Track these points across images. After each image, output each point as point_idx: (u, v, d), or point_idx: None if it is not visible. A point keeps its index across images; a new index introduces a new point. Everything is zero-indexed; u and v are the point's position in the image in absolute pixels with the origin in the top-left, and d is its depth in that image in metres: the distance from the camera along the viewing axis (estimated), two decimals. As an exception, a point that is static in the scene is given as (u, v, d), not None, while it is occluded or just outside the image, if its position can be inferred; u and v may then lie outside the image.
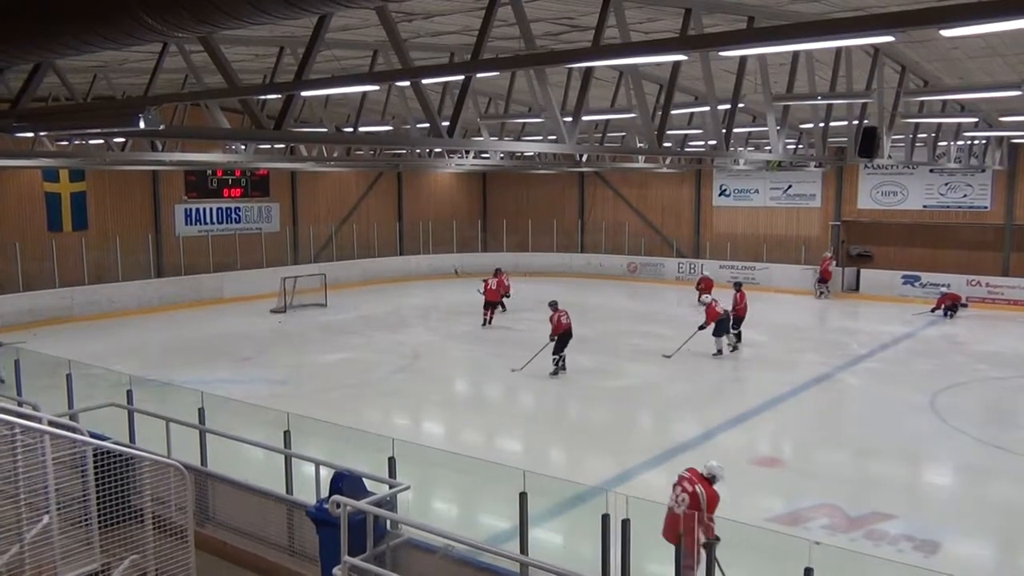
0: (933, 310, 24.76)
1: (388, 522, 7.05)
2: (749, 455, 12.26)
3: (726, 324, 18.73)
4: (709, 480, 7.75)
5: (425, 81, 10.02)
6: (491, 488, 9.93)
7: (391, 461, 7.70)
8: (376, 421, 13.70)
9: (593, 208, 36.34)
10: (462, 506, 10.94)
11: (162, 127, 5.71)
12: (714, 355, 18.53)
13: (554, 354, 16.87)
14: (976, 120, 19.43)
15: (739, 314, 19.66)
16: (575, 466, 11.85)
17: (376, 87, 14.44)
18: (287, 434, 8.79)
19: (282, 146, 20.49)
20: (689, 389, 16.59)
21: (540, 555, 6.73)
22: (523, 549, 6.76)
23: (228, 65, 7.65)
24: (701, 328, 18.42)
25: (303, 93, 11.35)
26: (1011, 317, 24.79)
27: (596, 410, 15.07)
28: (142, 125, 5.45)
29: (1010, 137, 24.37)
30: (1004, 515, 10.30)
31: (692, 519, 7.60)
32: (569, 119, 10.83)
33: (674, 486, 7.84)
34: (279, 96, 9.55)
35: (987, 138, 23.20)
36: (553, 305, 17.42)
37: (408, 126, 16.73)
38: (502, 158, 22.86)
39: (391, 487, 7.29)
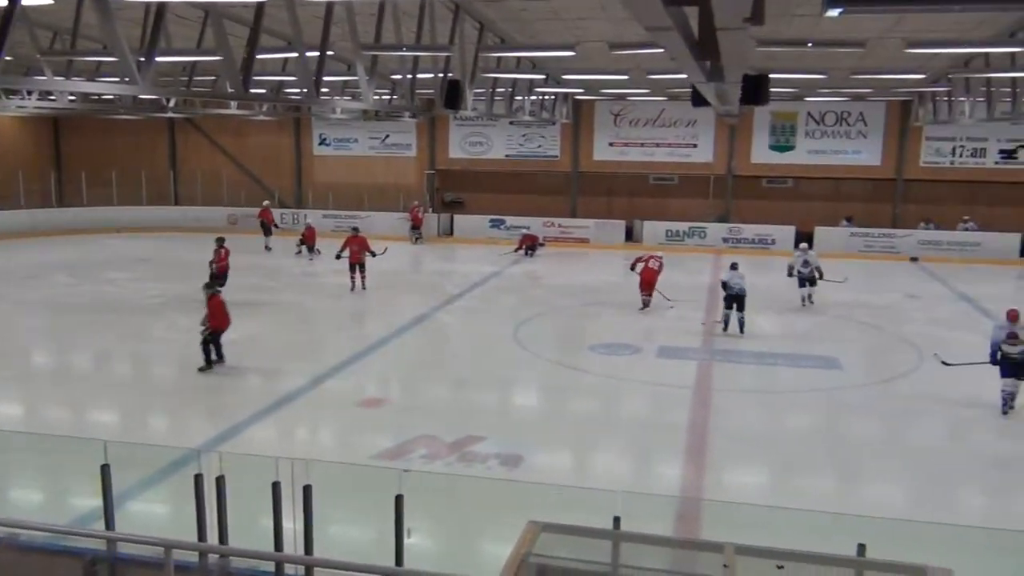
0: (516, 250, 27.39)
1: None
2: (356, 397, 12.61)
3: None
4: None
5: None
6: (77, 465, 9.01)
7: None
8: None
9: (187, 157, 34.15)
10: (43, 490, 9.81)
11: None
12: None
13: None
14: (545, 77, 21.61)
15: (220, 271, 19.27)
16: (180, 430, 11.27)
17: None
18: None
19: None
20: (294, 340, 16.51)
21: (128, 528, 6.31)
22: (108, 525, 6.28)
23: None
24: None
25: None
26: (577, 253, 28.53)
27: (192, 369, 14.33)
28: None
29: (573, 94, 27.59)
30: (577, 426, 11.86)
31: None
32: (143, 59, 9.96)
33: None
34: None
35: (555, 94, 25.99)
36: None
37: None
38: (72, 101, 20.41)
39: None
